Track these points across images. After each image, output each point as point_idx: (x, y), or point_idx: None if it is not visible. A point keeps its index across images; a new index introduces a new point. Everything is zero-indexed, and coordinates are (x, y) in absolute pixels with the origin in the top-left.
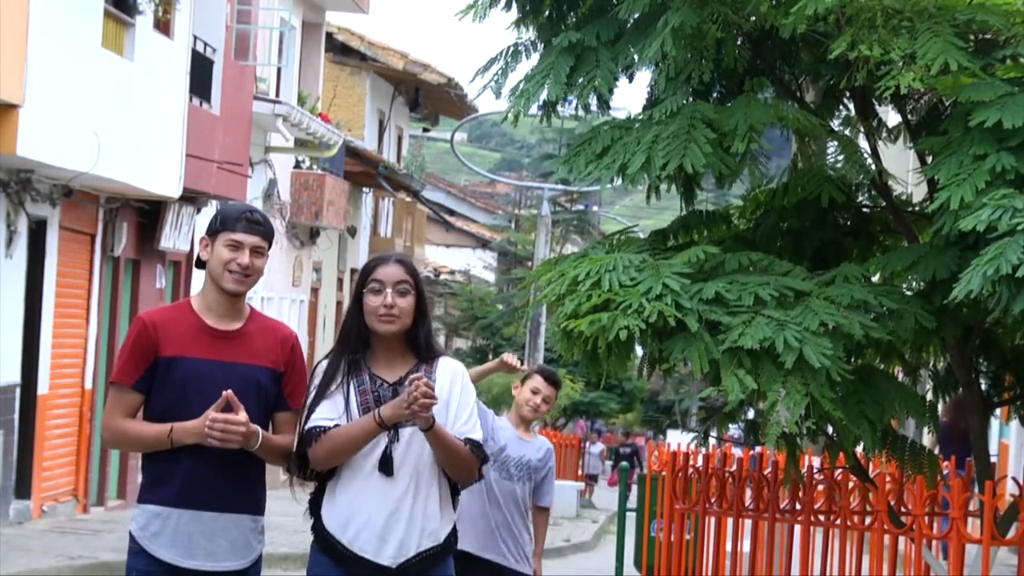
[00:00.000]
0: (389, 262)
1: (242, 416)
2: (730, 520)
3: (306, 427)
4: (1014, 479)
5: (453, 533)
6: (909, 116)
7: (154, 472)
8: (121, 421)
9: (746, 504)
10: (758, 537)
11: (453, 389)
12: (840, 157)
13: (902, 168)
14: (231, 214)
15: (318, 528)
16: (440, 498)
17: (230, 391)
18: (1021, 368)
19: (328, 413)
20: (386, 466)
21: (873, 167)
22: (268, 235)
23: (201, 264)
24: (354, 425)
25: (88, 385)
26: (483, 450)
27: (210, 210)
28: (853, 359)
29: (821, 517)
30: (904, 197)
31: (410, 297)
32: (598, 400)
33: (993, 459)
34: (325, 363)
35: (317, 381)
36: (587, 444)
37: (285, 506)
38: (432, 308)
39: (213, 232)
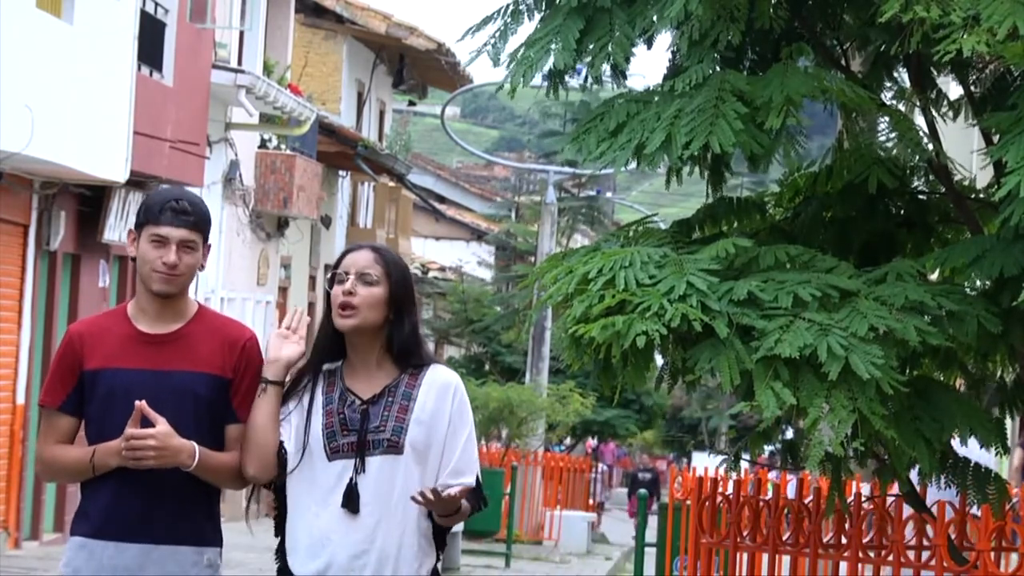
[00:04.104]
0: (359, 249)
1: (158, 429)
2: (765, 556)
3: None
4: None
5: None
6: (972, 88)
7: (84, 499)
8: (51, 449)
9: (784, 538)
10: (797, 575)
11: (440, 413)
12: (892, 135)
13: (964, 149)
14: (155, 204)
15: (282, 569)
16: (419, 538)
17: (142, 402)
18: None
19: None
20: (351, 501)
21: (930, 147)
22: (200, 226)
23: None
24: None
25: (20, 400)
26: (480, 495)
27: None
28: (907, 369)
29: (871, 553)
30: (966, 182)
31: (378, 289)
32: (614, 420)
33: None
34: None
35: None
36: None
37: (248, 540)
38: (420, 310)
39: (139, 225)
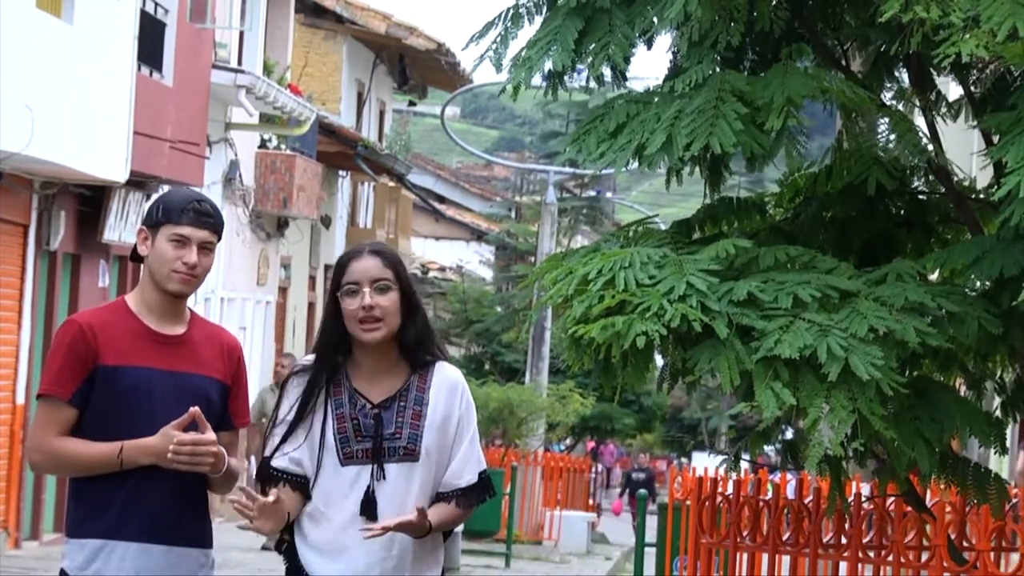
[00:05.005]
0: (362, 255)
1: (211, 436)
2: (765, 556)
3: (272, 462)
4: None
5: None
6: (972, 89)
7: (94, 499)
8: (57, 440)
9: (784, 538)
10: (797, 575)
11: (450, 416)
12: (892, 136)
13: (964, 149)
14: (175, 203)
15: (291, 568)
16: (432, 540)
17: (197, 408)
18: None
19: (291, 446)
20: (368, 509)
21: (930, 147)
22: (218, 228)
23: (137, 258)
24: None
25: (20, 400)
26: (484, 488)
27: None
28: (907, 370)
29: (871, 553)
30: (966, 183)
31: (393, 293)
32: (609, 412)
33: None
34: (303, 377)
35: (292, 400)
36: (598, 467)
37: (248, 539)
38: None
39: (155, 224)
